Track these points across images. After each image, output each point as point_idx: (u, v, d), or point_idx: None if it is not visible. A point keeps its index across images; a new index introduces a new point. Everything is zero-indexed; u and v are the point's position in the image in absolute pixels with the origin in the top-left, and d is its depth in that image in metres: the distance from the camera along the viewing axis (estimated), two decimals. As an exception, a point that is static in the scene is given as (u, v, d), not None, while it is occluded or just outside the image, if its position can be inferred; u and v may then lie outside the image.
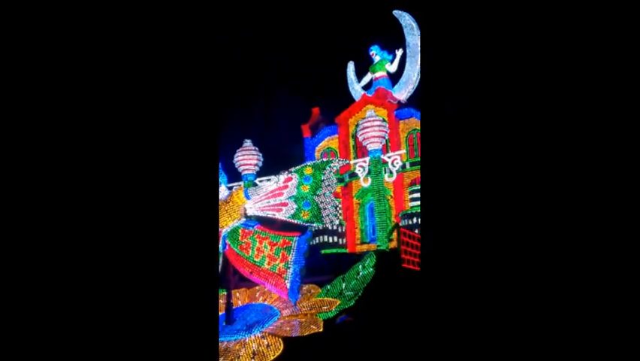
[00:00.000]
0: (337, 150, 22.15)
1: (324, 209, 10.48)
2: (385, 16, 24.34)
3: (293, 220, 10.66)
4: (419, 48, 23.01)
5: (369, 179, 19.53)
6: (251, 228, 10.51)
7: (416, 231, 17.06)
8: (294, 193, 10.68)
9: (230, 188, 11.84)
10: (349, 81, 25.28)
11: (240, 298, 11.96)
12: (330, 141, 22.58)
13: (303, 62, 29.56)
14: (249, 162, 20.79)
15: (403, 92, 23.03)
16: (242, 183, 19.72)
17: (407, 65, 23.32)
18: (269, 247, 10.19)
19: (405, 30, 23.70)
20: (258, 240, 10.36)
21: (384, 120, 19.77)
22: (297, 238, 10.19)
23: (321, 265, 15.27)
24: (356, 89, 24.84)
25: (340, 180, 20.22)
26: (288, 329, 9.74)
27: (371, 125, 18.97)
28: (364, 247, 19.54)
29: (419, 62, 22.92)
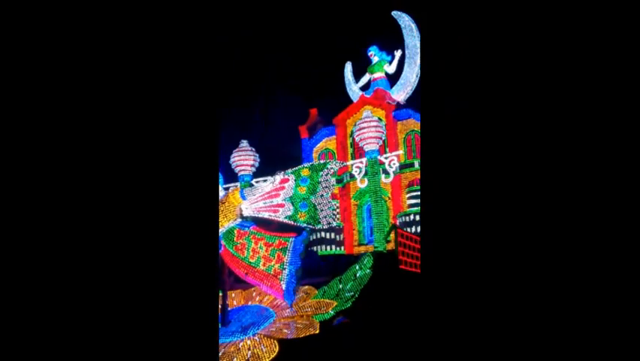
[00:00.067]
0: (335, 151, 22.07)
1: (322, 210, 10.46)
2: (384, 17, 24.32)
3: (290, 222, 10.61)
4: (418, 49, 22.97)
5: (366, 180, 19.44)
6: (246, 229, 10.43)
7: (413, 231, 17.02)
8: (291, 194, 10.64)
9: (226, 189, 11.77)
10: (347, 82, 25.22)
11: (235, 299, 11.86)
12: (328, 142, 22.50)
13: (301, 62, 29.55)
14: (245, 162, 20.66)
15: (401, 94, 22.97)
16: (238, 184, 19.63)
17: (406, 66, 23.26)
18: (264, 248, 10.12)
19: (404, 31, 23.65)
20: (253, 241, 10.28)
21: (380, 121, 19.70)
22: (293, 238, 10.13)
23: (318, 267, 15.19)
24: (353, 89, 24.77)
25: (338, 181, 20.16)
26: (284, 330, 9.65)
27: (367, 126, 18.90)
28: (362, 249, 19.44)
29: (418, 64, 22.88)
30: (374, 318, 10.13)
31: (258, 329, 9.84)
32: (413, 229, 17.94)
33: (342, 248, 20.12)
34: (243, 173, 20.64)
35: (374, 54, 23.96)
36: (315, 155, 22.56)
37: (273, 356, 8.98)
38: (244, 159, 20.64)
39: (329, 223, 10.79)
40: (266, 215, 10.77)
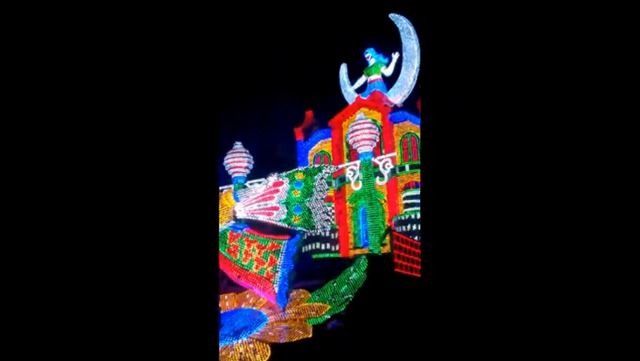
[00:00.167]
0: (330, 154, 21.97)
1: (316, 214, 10.41)
2: (381, 19, 24.27)
3: (284, 225, 10.54)
4: (416, 52, 22.97)
5: (360, 183, 19.36)
6: (239, 231, 10.32)
7: (408, 230, 16.92)
8: (285, 198, 10.58)
9: (219, 191, 11.65)
10: (342, 83, 25.17)
11: (228, 302, 11.71)
12: (324, 145, 22.40)
13: (297, 63, 29.51)
14: (239, 164, 20.51)
15: (398, 96, 22.91)
16: (232, 186, 19.49)
17: (403, 68, 23.23)
18: (257, 251, 10.01)
19: (402, 34, 23.61)
20: (246, 243, 10.18)
21: (374, 123, 19.62)
22: (287, 241, 10.03)
23: (312, 270, 15.07)
24: (348, 91, 24.71)
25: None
26: (276, 334, 9.51)
27: (361, 128, 18.84)
28: (357, 252, 19.31)
29: (416, 66, 22.86)
30: (368, 322, 10.02)
31: (250, 332, 9.70)
32: (409, 230, 17.83)
33: (338, 251, 19.99)
34: (236, 175, 20.49)
35: (371, 56, 23.90)
36: (310, 157, 22.46)
37: (265, 360, 8.83)
38: (238, 160, 20.49)
39: (323, 228, 10.76)
40: (260, 218, 10.68)
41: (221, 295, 10.86)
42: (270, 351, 9.00)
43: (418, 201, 18.67)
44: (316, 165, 11.54)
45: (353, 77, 24.88)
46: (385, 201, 19.74)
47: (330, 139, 22.20)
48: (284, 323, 9.96)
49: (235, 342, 9.37)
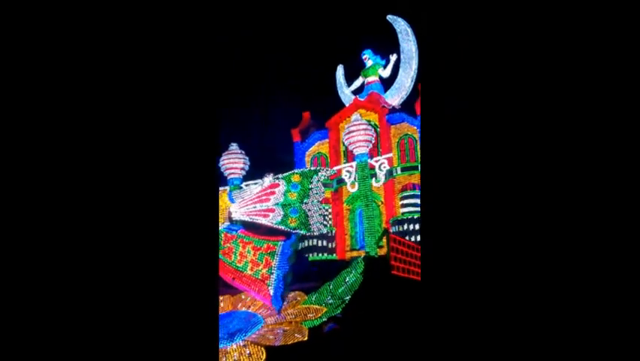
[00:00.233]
0: (328, 155, 21.88)
1: (312, 217, 10.36)
2: (379, 21, 24.22)
3: (280, 227, 10.46)
4: (414, 53, 22.92)
5: (357, 184, 19.26)
6: (234, 232, 10.21)
7: (407, 237, 16.82)
8: (281, 200, 10.51)
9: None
10: (338, 85, 25.09)
11: (223, 304, 11.58)
12: (321, 146, 22.30)
13: (294, 65, 29.47)
14: (234, 165, 20.30)
15: (395, 98, 22.84)
16: (227, 188, 19.34)
17: (401, 70, 23.16)
18: (252, 252, 9.90)
19: (399, 35, 23.55)
20: (241, 244, 10.07)
21: (370, 124, 19.54)
22: (282, 242, 9.92)
23: (309, 272, 14.97)
24: (345, 92, 24.63)
25: (329, 186, 19.96)
26: (271, 337, 9.39)
27: (357, 130, 18.76)
28: (354, 254, 19.22)
29: (414, 68, 22.82)
30: (365, 324, 9.93)
31: (245, 335, 9.57)
32: (406, 232, 17.75)
33: (334, 253, 19.89)
34: (232, 176, 20.32)
35: (368, 57, 23.83)
36: (307, 158, 22.37)
37: (259, 363, 8.73)
38: (234, 161, 20.28)
39: (319, 230, 10.71)
40: (256, 219, 10.59)
41: (215, 298, 10.71)
42: (264, 354, 8.88)
43: (415, 203, 18.62)
44: (313, 168, 11.47)
45: (350, 79, 24.81)
46: (382, 203, 19.65)
47: (327, 140, 22.12)
48: (279, 326, 9.85)
49: (229, 345, 9.25)
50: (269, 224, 10.57)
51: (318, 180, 10.60)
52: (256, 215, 10.61)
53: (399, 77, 23.15)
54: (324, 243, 19.53)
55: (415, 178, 19.25)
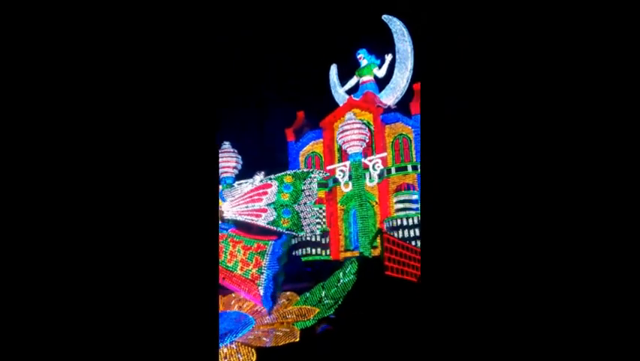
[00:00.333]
0: (322, 155, 21.75)
1: (305, 218, 10.25)
2: (374, 21, 24.15)
3: (272, 227, 10.35)
4: (409, 54, 22.88)
5: (350, 184, 19.15)
6: (224, 231, 10.05)
7: (402, 238, 16.71)
8: (274, 200, 10.41)
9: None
10: (331, 84, 25.00)
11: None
12: (315, 146, 22.19)
13: (289, 64, 29.40)
14: (227, 164, 20.12)
15: (390, 98, 22.76)
16: (220, 186, 19.18)
17: (396, 70, 23.09)
18: (242, 252, 9.75)
19: (395, 35, 23.48)
20: (231, 244, 9.91)
21: (364, 123, 19.44)
22: (272, 242, 9.78)
23: (302, 273, 14.86)
24: (339, 92, 24.53)
25: (324, 185, 19.85)
26: (262, 338, 9.24)
27: (350, 128, 18.67)
28: (348, 254, 19.11)
29: (409, 68, 22.78)
30: (357, 326, 9.83)
31: (235, 336, 9.43)
32: (400, 234, 17.64)
33: (328, 253, 19.77)
34: (225, 175, 20.12)
35: (363, 57, 23.73)
36: (301, 158, 22.24)
37: (250, 365, 8.59)
38: (226, 160, 20.09)
39: (312, 232, 10.61)
40: (248, 219, 10.46)
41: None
42: (255, 355, 8.75)
43: (410, 203, 18.53)
44: (305, 170, 11.41)
45: (344, 78, 24.70)
46: (377, 203, 19.53)
47: (321, 140, 22.01)
48: (271, 327, 9.70)
49: (220, 347, 9.09)
50: (261, 224, 10.44)
51: (311, 182, 10.51)
52: (248, 215, 10.49)
53: (394, 76, 23.08)
54: (318, 244, 19.40)
55: (410, 178, 19.15)
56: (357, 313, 10.09)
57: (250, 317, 10.34)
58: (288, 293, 11.02)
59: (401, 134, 19.94)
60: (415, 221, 17.96)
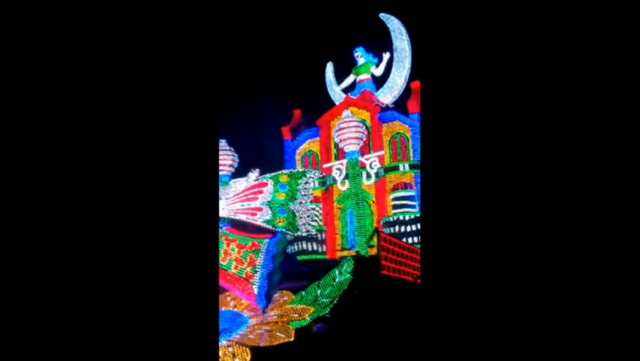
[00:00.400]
0: (318, 153, 21.67)
1: (300, 218, 10.19)
2: (371, 19, 24.08)
3: (268, 226, 10.28)
4: (407, 52, 22.85)
5: (347, 182, 19.06)
6: (219, 229, 9.96)
7: (399, 237, 16.64)
8: (269, 199, 10.33)
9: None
10: (328, 82, 24.93)
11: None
12: (312, 144, 22.10)
13: (285, 62, 29.35)
14: (223, 162, 20.02)
15: (387, 96, 22.71)
16: (216, 185, 19.11)
17: (394, 69, 23.06)
18: (236, 250, 9.67)
19: (392, 34, 23.43)
20: (225, 242, 9.82)
21: (361, 121, 19.36)
22: (267, 240, 9.70)
23: (298, 271, 14.80)
24: (335, 90, 24.46)
25: (322, 184, 19.78)
26: (256, 337, 9.16)
27: (347, 127, 18.61)
28: (344, 253, 19.03)
29: (407, 67, 22.75)
30: (353, 325, 9.77)
31: (229, 335, 9.35)
32: (398, 232, 17.58)
33: (324, 252, 19.68)
34: (221, 173, 20.00)
35: (360, 55, 23.66)
36: (297, 157, 22.16)
37: (244, 364, 8.51)
38: (222, 158, 19.98)
39: (308, 231, 10.57)
40: (243, 218, 10.37)
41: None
42: (249, 355, 8.66)
43: (407, 202, 18.48)
44: (301, 170, 11.37)
45: (341, 77, 24.64)
46: (374, 202, 19.46)
47: (318, 138, 21.93)
48: (265, 326, 9.62)
49: (214, 346, 9.00)
50: (257, 223, 10.36)
51: (306, 182, 10.45)
52: (244, 213, 10.41)
53: (391, 75, 23.05)
54: (315, 242, 19.32)
55: (407, 177, 19.09)
56: (352, 306, 10.06)
57: (245, 315, 10.26)
58: (283, 292, 10.95)
59: (398, 133, 19.87)
60: (412, 217, 17.95)
